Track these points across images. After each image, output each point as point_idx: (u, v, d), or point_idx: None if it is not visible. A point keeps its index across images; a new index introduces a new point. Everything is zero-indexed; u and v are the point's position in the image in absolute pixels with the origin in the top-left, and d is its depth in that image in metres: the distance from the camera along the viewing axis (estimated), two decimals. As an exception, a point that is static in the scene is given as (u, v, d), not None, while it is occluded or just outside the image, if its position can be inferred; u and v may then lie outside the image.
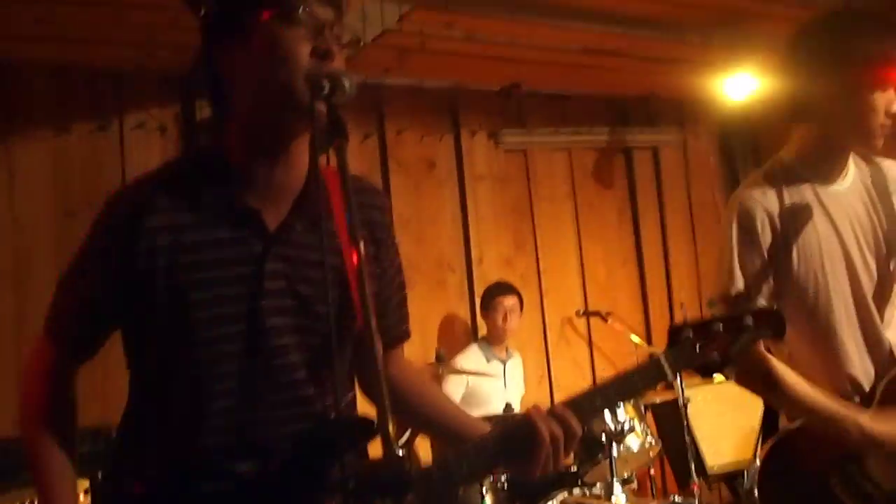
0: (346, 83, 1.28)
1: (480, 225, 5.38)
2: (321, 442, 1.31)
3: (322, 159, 1.30)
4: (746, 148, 6.28)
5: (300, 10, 1.31)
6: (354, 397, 1.50)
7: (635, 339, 5.00)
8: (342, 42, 1.36)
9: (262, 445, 1.34)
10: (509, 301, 4.84)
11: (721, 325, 1.64)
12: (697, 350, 1.61)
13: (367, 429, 1.26)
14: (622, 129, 5.91)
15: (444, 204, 5.31)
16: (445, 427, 1.61)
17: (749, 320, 1.67)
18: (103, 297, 1.39)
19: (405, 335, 1.63)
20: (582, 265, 5.70)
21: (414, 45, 4.50)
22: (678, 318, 1.67)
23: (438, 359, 3.93)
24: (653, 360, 1.60)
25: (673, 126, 6.14)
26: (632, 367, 1.60)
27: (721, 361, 1.64)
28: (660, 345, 4.65)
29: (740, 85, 5.17)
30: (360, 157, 5.03)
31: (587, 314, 5.45)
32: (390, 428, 0.97)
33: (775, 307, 1.83)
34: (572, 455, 3.90)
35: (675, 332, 1.63)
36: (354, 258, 1.10)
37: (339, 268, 1.38)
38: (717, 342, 1.63)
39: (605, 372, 5.47)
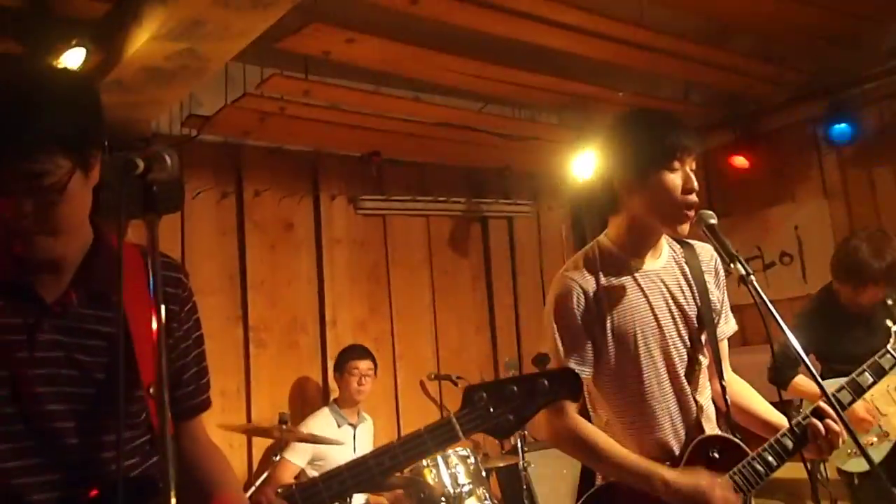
0: (168, 160, 1.32)
1: (336, 287, 5.42)
2: None
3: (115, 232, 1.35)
4: (595, 221, 6.60)
5: None
6: (155, 462, 1.51)
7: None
8: None
9: None
10: (364, 365, 4.84)
11: (516, 387, 1.64)
12: (491, 412, 1.61)
13: (149, 494, 1.28)
14: (478, 200, 6.13)
15: (300, 266, 5.33)
16: None
17: (544, 382, 1.67)
18: None
19: (203, 406, 1.66)
20: (435, 330, 5.82)
21: (274, 109, 4.57)
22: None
23: (281, 422, 3.91)
24: (445, 421, 1.61)
25: (527, 198, 6.41)
26: (424, 427, 1.59)
27: (515, 423, 1.63)
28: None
29: (588, 163, 5.45)
30: (216, 216, 5.03)
31: (439, 378, 5.54)
32: (171, 495, 1.00)
33: (574, 369, 1.94)
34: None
35: (469, 394, 1.64)
36: (153, 329, 1.15)
37: (122, 336, 1.41)
38: (512, 404, 1.62)
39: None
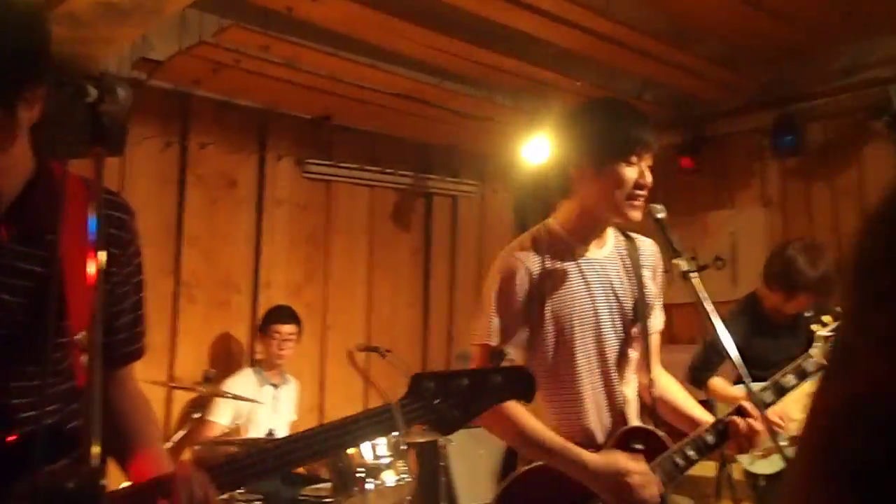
0: (121, 92, 1.24)
1: (273, 249, 5.34)
2: (10, 454, 1.28)
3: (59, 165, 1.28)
4: (539, 208, 6.63)
5: None
6: (76, 410, 1.46)
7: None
8: None
9: None
10: (286, 329, 4.78)
11: (467, 380, 1.53)
12: (436, 403, 1.49)
13: (67, 442, 1.24)
14: (425, 175, 6.09)
15: (240, 224, 5.24)
16: (125, 463, 1.53)
17: (498, 379, 1.57)
18: None
19: (135, 354, 1.59)
20: (369, 301, 5.79)
21: (229, 60, 4.46)
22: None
23: (206, 380, 3.86)
24: (384, 409, 1.49)
25: (473, 179, 6.39)
26: (361, 413, 1.48)
27: (460, 418, 1.51)
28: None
29: (538, 149, 5.45)
30: (158, 166, 4.91)
31: (367, 349, 5.53)
32: (92, 442, 0.97)
33: (528, 369, 1.94)
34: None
35: (415, 382, 1.52)
36: (91, 270, 1.10)
37: (55, 279, 1.34)
38: (460, 398, 1.51)
39: (379, 407, 5.56)
